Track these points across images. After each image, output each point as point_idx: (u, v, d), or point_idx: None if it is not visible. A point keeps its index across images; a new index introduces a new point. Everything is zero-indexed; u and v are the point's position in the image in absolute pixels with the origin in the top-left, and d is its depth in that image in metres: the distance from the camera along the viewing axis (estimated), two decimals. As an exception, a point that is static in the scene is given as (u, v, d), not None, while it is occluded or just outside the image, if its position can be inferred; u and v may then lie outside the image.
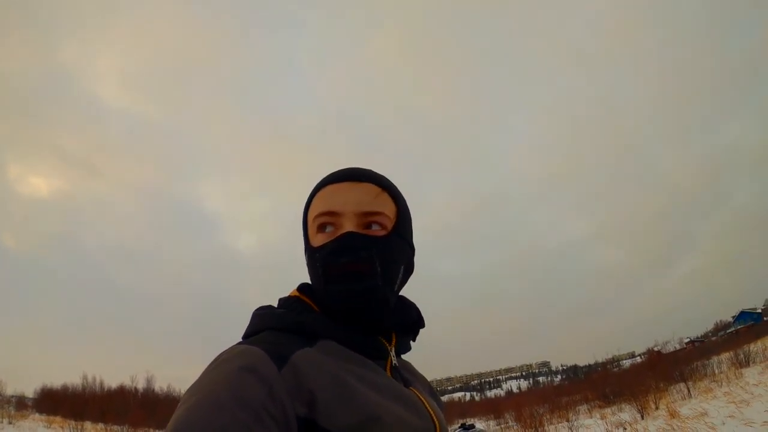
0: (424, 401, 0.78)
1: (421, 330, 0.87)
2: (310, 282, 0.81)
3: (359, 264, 0.72)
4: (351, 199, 0.76)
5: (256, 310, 0.80)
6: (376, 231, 0.76)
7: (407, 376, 0.83)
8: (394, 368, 0.79)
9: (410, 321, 0.83)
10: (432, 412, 0.77)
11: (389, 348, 0.79)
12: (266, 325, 0.74)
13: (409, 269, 0.83)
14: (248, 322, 0.78)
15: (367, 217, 0.76)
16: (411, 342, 0.86)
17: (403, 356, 0.87)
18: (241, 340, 0.74)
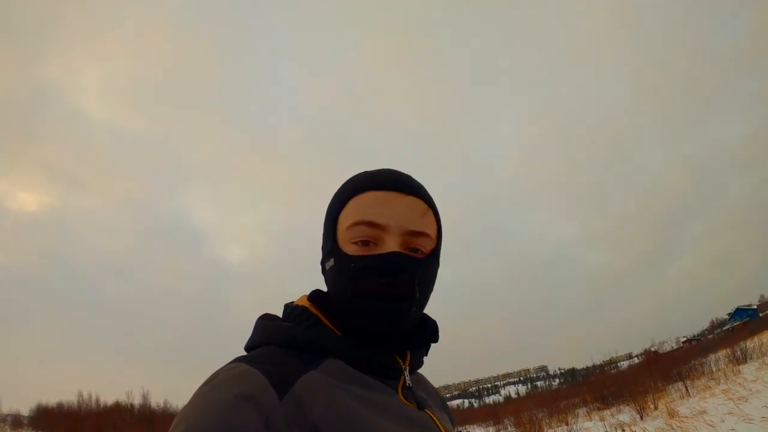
0: (439, 425, 0.73)
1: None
2: (326, 287, 0.76)
3: (398, 287, 0.68)
4: (398, 213, 0.70)
5: (261, 318, 0.75)
6: (418, 254, 0.71)
7: (421, 394, 0.77)
8: (407, 388, 0.74)
9: (425, 337, 0.79)
10: None
11: (403, 366, 0.74)
12: (272, 339, 0.70)
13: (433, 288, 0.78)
14: (252, 330, 0.74)
15: (412, 237, 0.71)
16: (423, 357, 0.81)
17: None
18: (243, 351, 0.71)
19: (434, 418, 0.73)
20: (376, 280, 0.67)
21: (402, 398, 0.71)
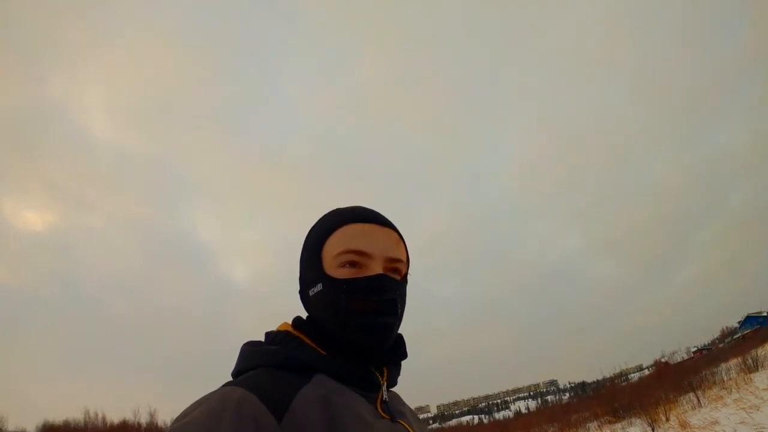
0: None
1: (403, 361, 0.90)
2: (307, 313, 0.85)
3: (385, 304, 0.78)
4: (380, 243, 0.82)
5: (246, 345, 0.82)
6: (396, 276, 0.83)
7: (398, 408, 0.86)
8: (384, 402, 0.82)
9: (398, 353, 0.87)
10: None
11: (382, 382, 0.82)
12: (259, 361, 0.76)
13: None
14: (237, 357, 0.80)
15: (392, 263, 0.82)
16: (397, 376, 0.89)
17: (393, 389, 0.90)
18: (231, 378, 0.75)
19: (408, 429, 0.82)
20: (367, 298, 0.78)
21: (380, 411, 0.79)
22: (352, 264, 0.80)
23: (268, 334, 0.83)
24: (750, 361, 17.37)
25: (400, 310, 0.81)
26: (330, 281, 0.80)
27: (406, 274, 0.88)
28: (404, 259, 0.86)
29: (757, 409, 9.66)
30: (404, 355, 0.89)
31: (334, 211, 0.88)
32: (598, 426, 18.66)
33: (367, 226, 0.83)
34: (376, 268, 0.80)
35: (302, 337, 0.81)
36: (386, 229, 0.84)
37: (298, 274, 0.89)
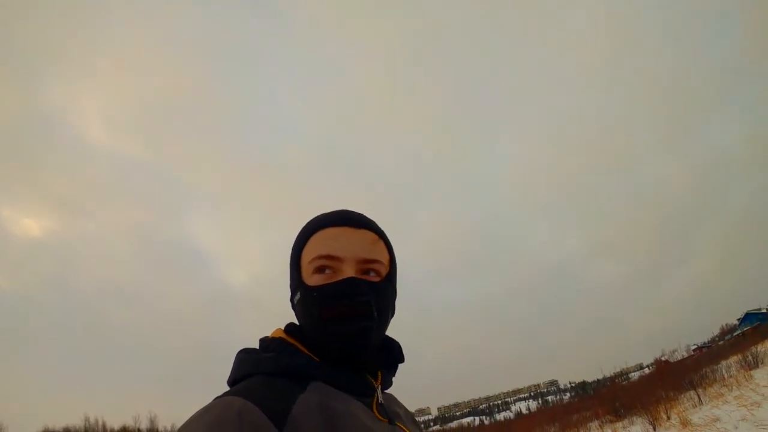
0: None
1: (400, 365, 0.90)
2: (296, 321, 0.84)
3: (357, 308, 0.76)
4: (352, 245, 0.79)
5: (240, 353, 0.80)
6: (373, 277, 0.80)
7: (393, 410, 0.85)
8: (380, 405, 0.81)
9: (393, 358, 0.87)
10: None
11: (376, 385, 0.82)
12: (257, 369, 0.75)
13: (394, 312, 0.86)
14: (233, 365, 0.79)
15: (366, 264, 0.79)
16: (392, 378, 0.89)
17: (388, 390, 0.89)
18: (228, 387, 0.74)
19: (405, 431, 0.82)
20: (337, 304, 0.75)
21: (376, 414, 0.79)
22: (323, 269, 0.78)
23: (262, 341, 0.82)
24: (750, 358, 17.37)
25: (376, 313, 0.77)
26: (306, 289, 0.79)
27: (390, 274, 0.84)
28: (383, 260, 0.82)
29: (759, 406, 9.63)
30: (400, 359, 0.88)
31: (316, 216, 0.86)
32: (600, 425, 18.65)
33: (339, 230, 0.81)
34: (348, 272, 0.78)
35: (296, 344, 0.80)
36: (361, 231, 0.82)
37: None
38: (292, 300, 0.84)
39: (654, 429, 12.85)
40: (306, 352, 0.78)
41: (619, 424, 16.70)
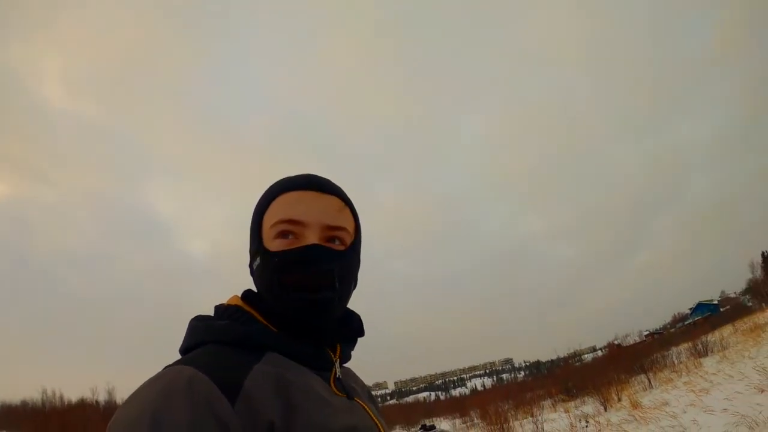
0: (368, 410, 0.79)
1: (360, 338, 0.86)
2: (254, 288, 0.80)
3: (319, 276, 0.72)
4: (316, 210, 0.75)
5: (194, 320, 0.76)
6: (337, 246, 0.76)
7: (351, 385, 0.83)
8: (337, 379, 0.79)
9: (353, 331, 0.84)
10: (377, 421, 0.78)
11: (334, 359, 0.79)
12: (209, 337, 0.71)
13: (356, 284, 0.83)
14: (185, 333, 0.75)
15: (330, 231, 0.76)
16: (351, 351, 0.85)
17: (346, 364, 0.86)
18: (179, 355, 0.70)
19: (365, 407, 0.78)
20: (298, 272, 0.71)
21: (334, 389, 0.75)
22: (285, 234, 0.74)
23: (217, 308, 0.78)
24: (700, 346, 17.97)
25: (338, 284, 0.74)
26: (266, 254, 0.74)
27: (355, 243, 0.80)
28: (349, 228, 0.78)
29: (707, 393, 9.85)
30: (360, 333, 0.85)
31: (280, 179, 0.81)
32: (552, 404, 19.09)
33: (304, 193, 0.76)
34: (311, 238, 0.73)
35: (253, 312, 0.76)
36: (327, 196, 0.77)
37: None
38: (251, 266, 0.80)
39: (605, 409, 13.13)
40: (262, 321, 0.75)
41: (571, 404, 17.09)
